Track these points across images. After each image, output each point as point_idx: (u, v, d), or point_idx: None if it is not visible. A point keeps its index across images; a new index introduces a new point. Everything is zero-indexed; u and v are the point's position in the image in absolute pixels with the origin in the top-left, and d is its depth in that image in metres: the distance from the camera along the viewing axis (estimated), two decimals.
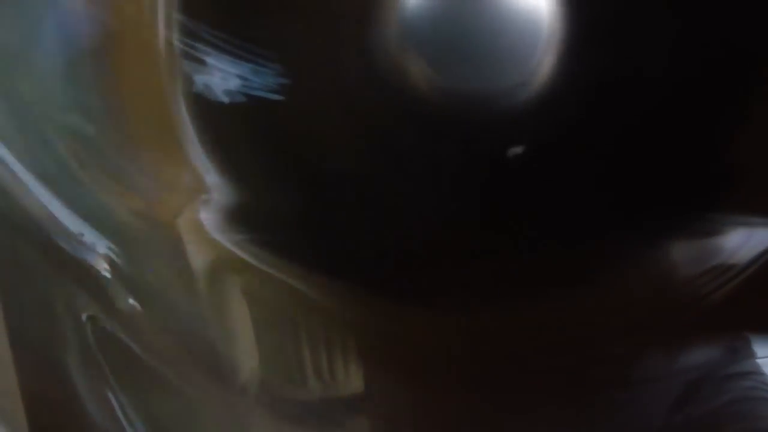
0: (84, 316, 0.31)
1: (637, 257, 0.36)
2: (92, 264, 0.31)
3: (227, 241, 0.35)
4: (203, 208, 0.35)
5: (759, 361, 0.37)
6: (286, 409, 0.36)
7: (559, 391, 0.35)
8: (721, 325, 0.35)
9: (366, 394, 0.36)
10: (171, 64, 0.34)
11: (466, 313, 0.36)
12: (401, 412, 0.36)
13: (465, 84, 0.34)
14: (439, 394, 0.36)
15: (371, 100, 0.36)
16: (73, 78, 0.33)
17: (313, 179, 0.36)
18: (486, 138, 0.36)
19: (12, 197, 0.31)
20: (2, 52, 0.32)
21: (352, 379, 0.36)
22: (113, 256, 0.32)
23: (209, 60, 0.34)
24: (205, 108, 0.34)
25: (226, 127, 0.35)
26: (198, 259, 0.34)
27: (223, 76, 0.34)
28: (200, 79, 0.34)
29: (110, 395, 0.30)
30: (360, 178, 0.36)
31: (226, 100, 0.34)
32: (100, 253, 0.32)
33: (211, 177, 0.35)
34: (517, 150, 0.35)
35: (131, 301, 0.32)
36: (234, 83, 0.34)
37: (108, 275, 0.31)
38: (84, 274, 0.31)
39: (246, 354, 0.35)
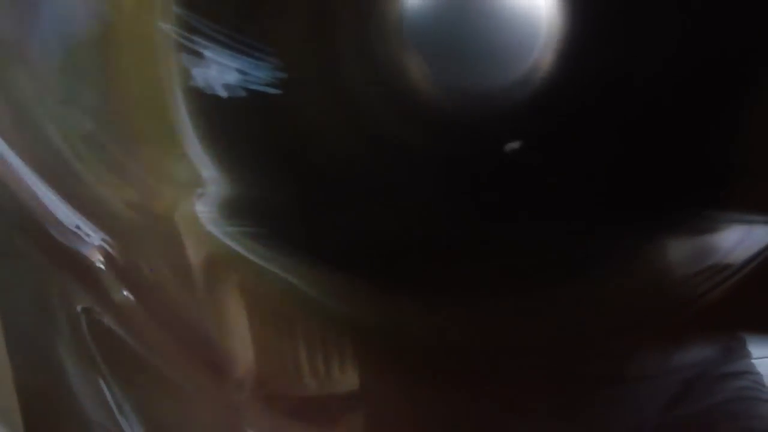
0: (79, 308, 0.31)
1: (634, 255, 0.36)
2: (87, 256, 0.31)
3: (224, 235, 0.35)
4: (200, 202, 0.35)
5: (754, 361, 0.37)
6: (282, 404, 0.36)
7: (552, 388, 0.35)
8: (717, 324, 0.35)
9: (362, 391, 0.36)
10: (169, 56, 0.33)
11: (461, 309, 0.36)
12: (398, 408, 0.36)
13: (462, 80, 0.35)
14: (435, 390, 0.36)
15: (370, 95, 0.36)
16: (70, 70, 0.33)
17: (311, 174, 0.36)
18: (483, 135, 0.36)
19: (7, 189, 0.31)
20: None
21: (348, 376, 0.36)
22: (109, 248, 0.32)
23: (207, 53, 0.33)
24: (202, 101, 0.34)
25: (223, 120, 0.35)
26: (194, 252, 0.34)
27: (221, 70, 0.34)
28: (198, 73, 0.34)
29: (104, 387, 0.30)
30: (358, 172, 0.36)
31: (224, 93, 0.34)
32: (95, 245, 0.31)
33: (208, 170, 0.35)
34: (514, 145, 0.35)
35: (126, 293, 0.31)
36: (232, 77, 0.34)
37: (103, 267, 0.31)
38: (79, 266, 0.31)
39: (242, 349, 0.34)
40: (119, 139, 0.33)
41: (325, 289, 0.36)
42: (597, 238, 0.36)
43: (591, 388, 0.35)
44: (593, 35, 0.34)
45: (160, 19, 0.33)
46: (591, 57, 0.35)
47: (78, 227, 0.31)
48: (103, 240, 0.32)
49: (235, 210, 0.35)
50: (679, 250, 0.36)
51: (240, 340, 0.35)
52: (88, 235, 0.31)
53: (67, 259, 0.31)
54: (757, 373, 0.37)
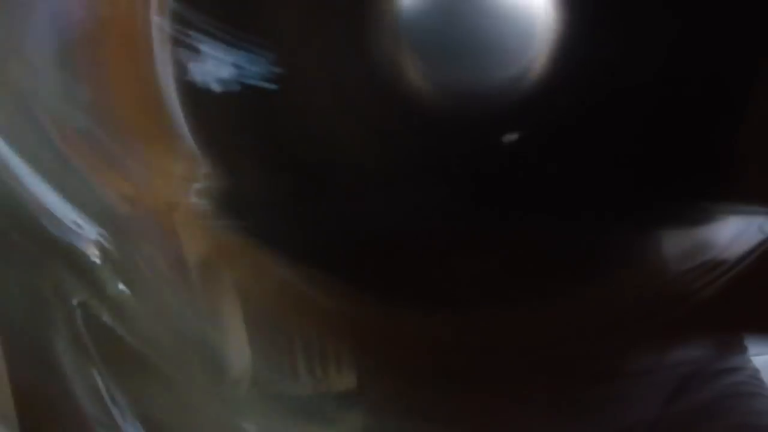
0: (74, 302, 0.30)
1: (631, 252, 0.36)
2: (83, 250, 0.31)
3: (219, 230, 0.35)
4: (195, 196, 0.34)
5: (750, 357, 0.37)
6: (277, 403, 0.35)
7: (549, 385, 0.35)
8: (713, 320, 0.35)
9: (358, 390, 0.36)
10: (164, 51, 0.33)
11: (458, 308, 0.36)
12: (393, 407, 0.36)
13: (459, 78, 0.35)
14: (432, 389, 0.36)
15: (366, 91, 0.36)
16: (65, 65, 0.33)
17: (306, 170, 0.36)
18: (481, 132, 0.36)
19: (2, 182, 0.31)
20: None
21: (344, 375, 0.36)
22: (104, 243, 0.31)
23: (203, 48, 0.33)
24: (198, 96, 0.34)
25: (219, 115, 0.35)
26: (190, 247, 0.34)
27: (216, 64, 0.34)
28: (194, 67, 0.34)
29: (99, 381, 0.30)
30: (354, 169, 0.36)
31: (219, 88, 0.34)
32: (91, 240, 0.31)
33: (204, 165, 0.34)
34: (511, 137, 0.35)
35: (121, 287, 0.31)
36: (228, 71, 0.34)
37: (98, 261, 0.31)
38: (74, 260, 0.31)
39: (238, 346, 0.34)
40: (114, 133, 0.33)
41: (321, 287, 0.36)
42: (595, 235, 0.36)
43: (587, 383, 0.35)
44: (588, 33, 0.34)
45: (156, 14, 0.33)
46: (586, 55, 0.35)
47: (74, 221, 0.31)
48: (99, 234, 0.32)
49: (230, 205, 0.35)
50: (675, 247, 0.36)
51: (235, 338, 0.34)
52: (83, 229, 0.31)
53: (63, 253, 0.31)
54: (754, 369, 0.37)
